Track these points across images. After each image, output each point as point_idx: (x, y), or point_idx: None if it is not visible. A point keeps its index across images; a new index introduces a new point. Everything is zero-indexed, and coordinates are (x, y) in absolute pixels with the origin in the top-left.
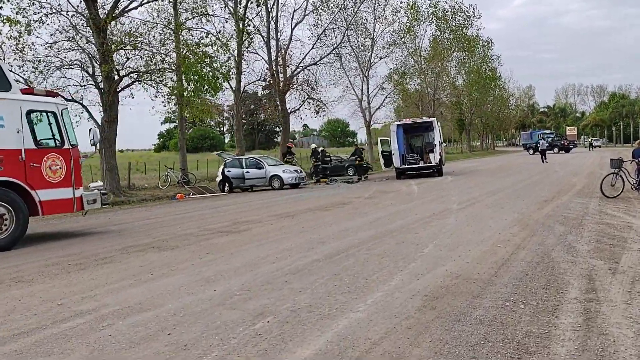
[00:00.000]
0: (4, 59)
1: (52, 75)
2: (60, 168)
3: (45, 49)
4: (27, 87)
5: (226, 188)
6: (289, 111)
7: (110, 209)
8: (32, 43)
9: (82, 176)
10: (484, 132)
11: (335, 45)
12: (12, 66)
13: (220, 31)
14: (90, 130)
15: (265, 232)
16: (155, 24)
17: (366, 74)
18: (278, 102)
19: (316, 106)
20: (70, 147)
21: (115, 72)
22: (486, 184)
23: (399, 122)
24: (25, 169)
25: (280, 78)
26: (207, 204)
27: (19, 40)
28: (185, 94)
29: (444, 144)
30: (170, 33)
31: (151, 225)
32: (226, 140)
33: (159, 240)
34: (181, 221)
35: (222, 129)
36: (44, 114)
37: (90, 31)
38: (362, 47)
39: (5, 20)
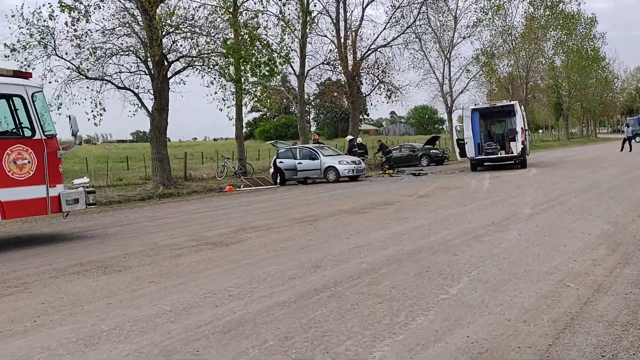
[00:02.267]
0: (54, 46)
1: (107, 62)
2: (28, 162)
3: (101, 35)
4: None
5: (279, 180)
6: (358, 96)
7: (143, 203)
8: (90, 30)
9: (61, 172)
10: (584, 117)
11: (409, 24)
12: (66, 53)
13: (281, 11)
14: (69, 118)
15: (258, 247)
16: (213, 8)
17: (447, 56)
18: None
19: (387, 91)
20: (44, 137)
21: (163, 57)
22: (576, 178)
23: (474, 107)
24: None
25: (349, 61)
26: (245, 199)
27: (76, 27)
28: (242, 79)
29: (529, 131)
30: (225, 13)
31: (148, 228)
32: (312, 129)
33: (120, 256)
34: (187, 223)
35: (307, 117)
36: (8, 98)
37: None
38: (443, 27)
39: (64, 7)
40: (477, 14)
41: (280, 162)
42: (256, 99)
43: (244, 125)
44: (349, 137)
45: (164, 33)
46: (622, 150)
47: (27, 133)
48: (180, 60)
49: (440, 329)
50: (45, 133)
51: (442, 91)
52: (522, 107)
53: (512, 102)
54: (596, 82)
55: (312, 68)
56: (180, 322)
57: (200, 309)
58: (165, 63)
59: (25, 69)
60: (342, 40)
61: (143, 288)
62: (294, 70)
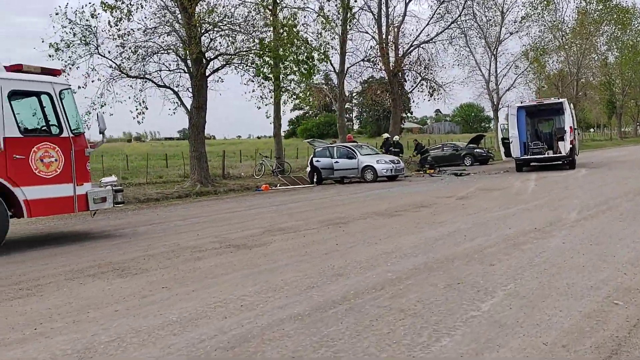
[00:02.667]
0: (97, 45)
1: (148, 60)
2: (55, 160)
3: (143, 34)
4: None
5: (316, 179)
6: (400, 94)
7: (180, 201)
8: (132, 29)
9: (89, 170)
10: (639, 116)
11: (454, 19)
12: (109, 52)
13: (322, 7)
14: (97, 115)
15: (282, 251)
16: (252, 5)
17: (494, 52)
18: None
19: (430, 88)
20: (72, 135)
21: (201, 55)
22: (629, 180)
23: (520, 104)
24: (6, 161)
25: (391, 58)
26: (279, 199)
27: (119, 27)
28: (281, 77)
29: (578, 130)
30: (265, 11)
31: (177, 228)
32: (355, 127)
33: (139, 257)
34: (216, 223)
35: (350, 115)
36: (36, 95)
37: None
38: (489, 22)
39: (106, 8)
40: (525, 8)
41: (317, 161)
42: (295, 97)
43: (286, 124)
44: (386, 135)
45: (202, 31)
46: None
47: (55, 131)
48: (219, 58)
49: (466, 352)
50: (73, 131)
51: (488, 88)
52: (572, 105)
53: (561, 100)
54: None
55: (352, 65)
56: (184, 334)
57: (207, 320)
58: (204, 61)
59: (70, 68)
60: (384, 36)
61: (154, 294)
62: (333, 68)
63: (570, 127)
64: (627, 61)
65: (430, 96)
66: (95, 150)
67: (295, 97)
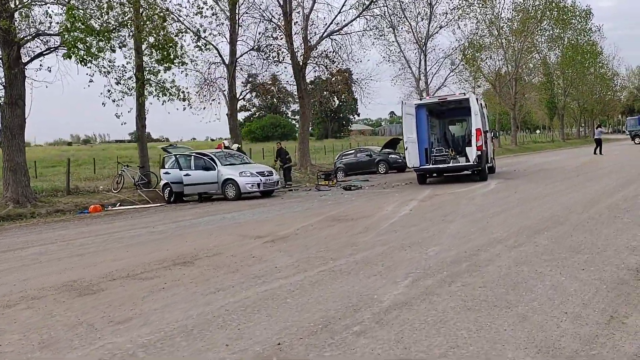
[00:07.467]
0: None
1: None
2: None
3: None
4: None
5: (171, 195)
6: (308, 91)
7: None
8: None
9: None
10: (581, 117)
11: (364, 7)
12: None
13: None
14: None
15: None
16: None
17: (423, 48)
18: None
19: (343, 84)
20: None
21: (6, 34)
22: (539, 201)
23: (419, 101)
24: None
25: (299, 50)
26: (48, 235)
27: None
28: (146, 67)
29: (491, 133)
30: None
31: None
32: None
33: None
34: None
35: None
36: None
37: None
38: (419, 15)
39: None
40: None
41: (166, 173)
42: (163, 92)
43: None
44: (235, 145)
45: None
46: (595, 153)
47: None
48: (39, 38)
49: None
50: None
51: (418, 87)
52: (483, 101)
53: (466, 95)
54: (594, 79)
55: (241, 55)
56: None
57: None
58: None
59: None
60: (289, 24)
61: None
62: (222, 59)
63: (478, 130)
64: (568, 61)
65: (341, 93)
66: None
67: (162, 92)
